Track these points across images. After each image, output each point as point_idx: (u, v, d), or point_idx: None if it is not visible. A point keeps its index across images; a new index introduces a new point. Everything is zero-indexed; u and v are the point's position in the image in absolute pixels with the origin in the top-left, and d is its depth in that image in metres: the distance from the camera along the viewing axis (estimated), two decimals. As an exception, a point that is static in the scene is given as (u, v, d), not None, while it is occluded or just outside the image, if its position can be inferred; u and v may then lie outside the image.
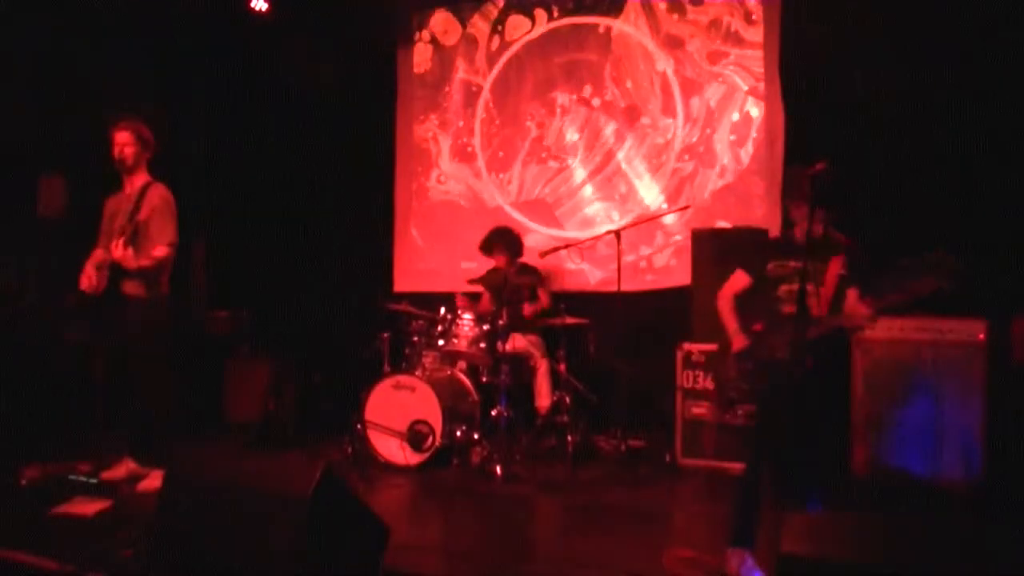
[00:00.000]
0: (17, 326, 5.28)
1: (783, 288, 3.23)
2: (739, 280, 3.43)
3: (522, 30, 6.19)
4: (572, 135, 6.04)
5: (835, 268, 3.14)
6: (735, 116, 5.55)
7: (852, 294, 3.15)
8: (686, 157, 5.68)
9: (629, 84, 5.85)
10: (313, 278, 6.65)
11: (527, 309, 5.42)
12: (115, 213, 4.21)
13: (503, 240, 5.52)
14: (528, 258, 5.63)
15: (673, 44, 5.73)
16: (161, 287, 4.17)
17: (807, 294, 3.06)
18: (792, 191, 3.23)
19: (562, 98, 6.06)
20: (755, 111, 5.48)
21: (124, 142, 4.14)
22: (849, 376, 4.13)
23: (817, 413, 3.05)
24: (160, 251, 4.07)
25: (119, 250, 3.93)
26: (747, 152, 5.51)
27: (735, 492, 3.12)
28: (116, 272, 4.03)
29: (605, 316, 5.17)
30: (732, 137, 5.55)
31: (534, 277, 5.47)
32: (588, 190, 5.98)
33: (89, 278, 4.12)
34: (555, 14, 6.09)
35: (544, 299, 5.59)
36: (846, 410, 4.13)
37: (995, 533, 2.08)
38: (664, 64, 5.75)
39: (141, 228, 4.01)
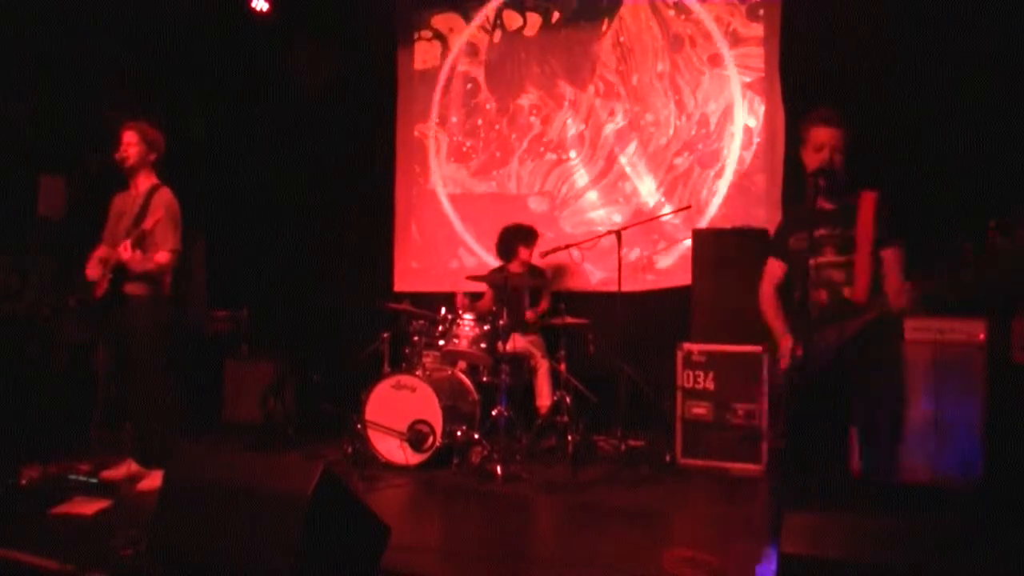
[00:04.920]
0: (17, 326, 5.28)
1: (811, 262, 2.72)
2: (774, 269, 3.02)
3: (523, 29, 6.19)
4: (573, 134, 6.03)
5: (866, 230, 2.68)
6: (736, 116, 5.54)
7: (891, 258, 2.64)
8: (687, 157, 5.67)
9: (632, 82, 5.85)
10: (313, 278, 6.65)
11: (529, 315, 5.42)
12: (122, 213, 4.25)
13: (521, 237, 5.51)
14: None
15: (675, 43, 5.73)
16: (163, 288, 4.19)
17: (838, 266, 2.70)
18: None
19: (563, 96, 6.05)
20: (756, 110, 5.48)
21: (128, 142, 4.20)
22: (901, 368, 3.58)
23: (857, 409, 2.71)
24: (163, 256, 4.10)
25: (127, 252, 3.96)
26: (748, 152, 5.50)
27: (766, 495, 3.01)
28: (119, 273, 4.05)
29: (605, 316, 5.16)
30: (733, 137, 5.54)
31: (541, 279, 5.47)
32: (589, 188, 5.98)
33: (93, 269, 4.15)
34: (555, 13, 6.09)
35: (544, 301, 5.59)
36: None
37: (995, 533, 2.08)
38: (666, 63, 5.75)
39: (147, 235, 4.04)
